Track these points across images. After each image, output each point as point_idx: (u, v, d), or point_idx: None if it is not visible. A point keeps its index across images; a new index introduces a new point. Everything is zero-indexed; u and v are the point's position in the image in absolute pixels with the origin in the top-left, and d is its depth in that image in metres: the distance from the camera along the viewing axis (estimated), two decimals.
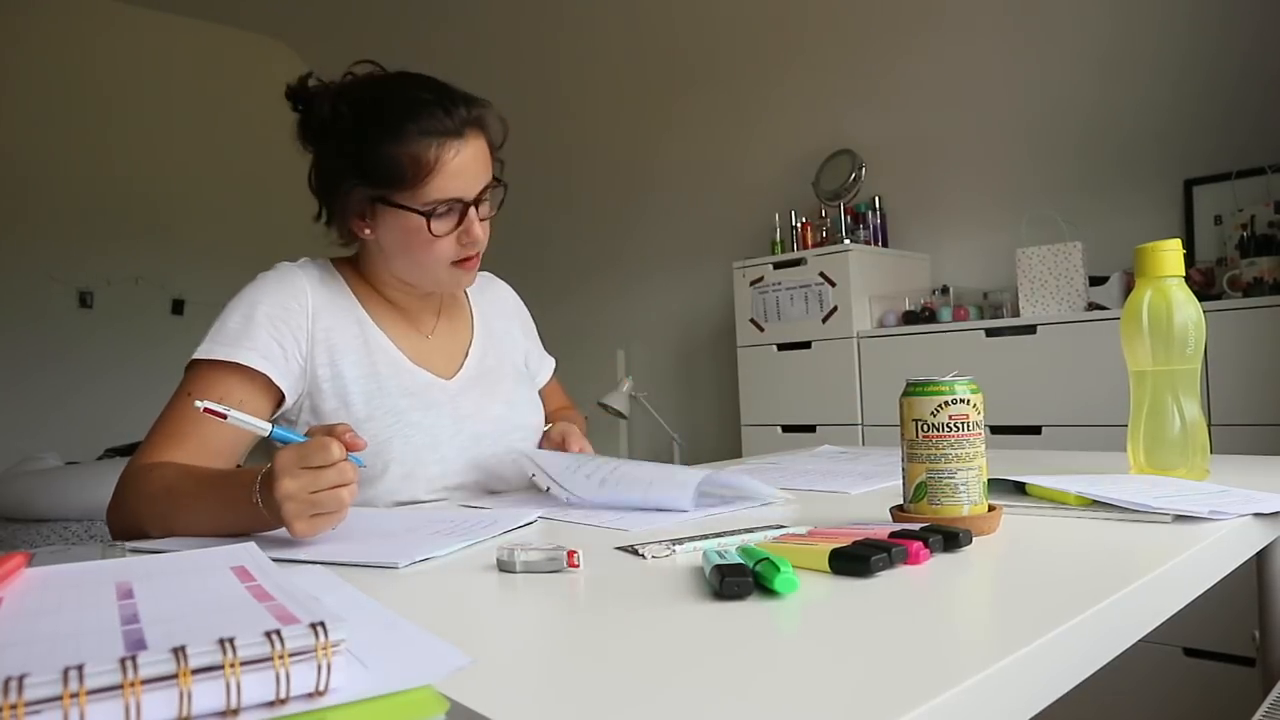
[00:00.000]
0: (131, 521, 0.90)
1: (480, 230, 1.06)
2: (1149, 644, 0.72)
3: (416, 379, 1.11)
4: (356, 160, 1.02)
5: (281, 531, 0.74)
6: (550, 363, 1.39)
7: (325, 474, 0.72)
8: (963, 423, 0.69)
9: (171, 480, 0.89)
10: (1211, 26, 2.29)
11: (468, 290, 1.27)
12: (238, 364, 0.99)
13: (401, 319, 1.15)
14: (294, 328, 1.04)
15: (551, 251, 4.08)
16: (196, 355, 1.00)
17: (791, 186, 3.15)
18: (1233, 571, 0.70)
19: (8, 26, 3.87)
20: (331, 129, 1.04)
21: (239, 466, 1.01)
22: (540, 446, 1.18)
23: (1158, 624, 0.56)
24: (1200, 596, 0.63)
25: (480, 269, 1.20)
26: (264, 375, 1.00)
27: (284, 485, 0.72)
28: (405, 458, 1.05)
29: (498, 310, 1.31)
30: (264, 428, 0.79)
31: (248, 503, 0.76)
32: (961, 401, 0.70)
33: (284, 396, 1.03)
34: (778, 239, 2.97)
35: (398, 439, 1.05)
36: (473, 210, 1.05)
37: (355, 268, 1.15)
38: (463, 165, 1.02)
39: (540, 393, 1.31)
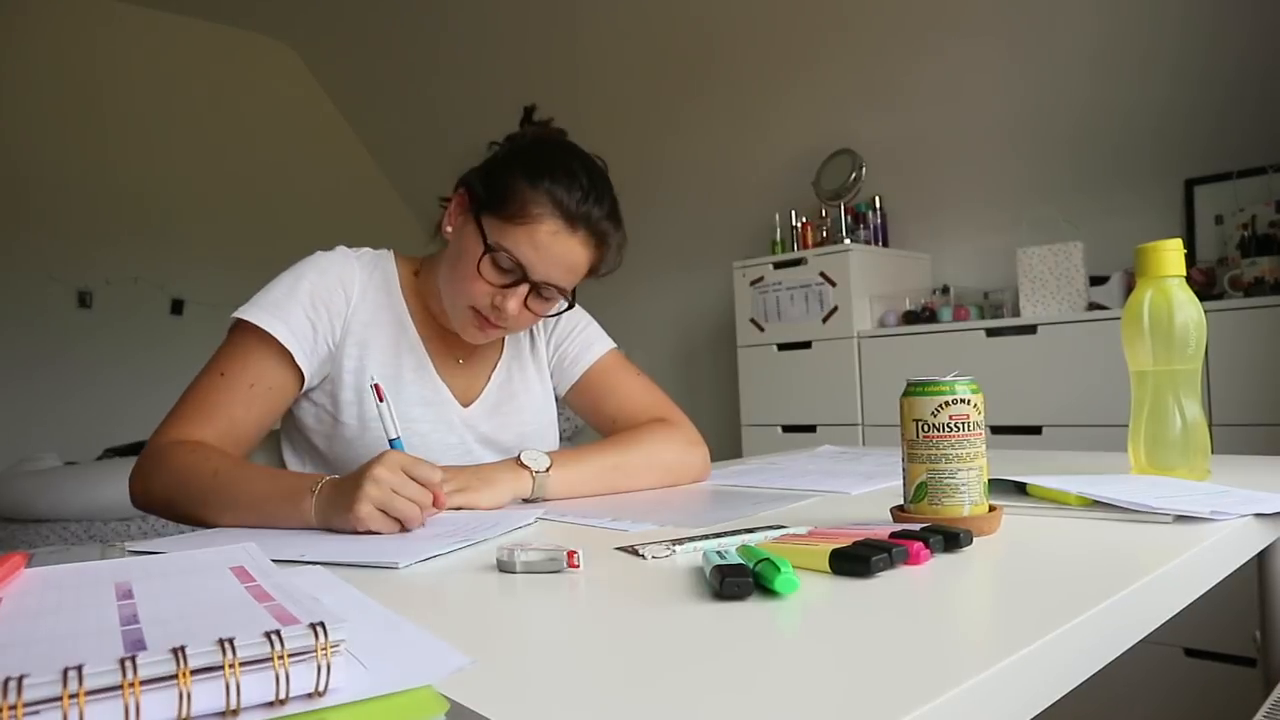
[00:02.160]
0: (160, 495, 0.92)
1: (515, 309, 1.01)
2: (1150, 644, 0.71)
3: (437, 391, 1.10)
4: (489, 169, 1.03)
5: (283, 530, 0.74)
6: (599, 348, 1.23)
7: (416, 487, 0.79)
8: (963, 423, 0.69)
9: (216, 466, 0.89)
10: (1212, 26, 2.29)
11: None
12: (268, 334, 0.99)
13: (442, 331, 1.13)
14: (333, 313, 1.04)
15: None
16: (238, 313, 1.01)
17: (791, 186, 3.15)
18: (1234, 572, 0.70)
19: (8, 26, 3.87)
20: (505, 144, 1.08)
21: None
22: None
23: (1158, 624, 0.56)
24: (1201, 597, 0.63)
25: None
26: (289, 351, 1.00)
27: (378, 472, 0.78)
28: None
29: (530, 328, 1.22)
30: (394, 432, 0.88)
31: (302, 496, 0.82)
32: (962, 401, 0.70)
33: (305, 376, 1.03)
34: (778, 239, 2.97)
35: (404, 443, 1.04)
36: (525, 288, 1.01)
37: (417, 269, 1.14)
38: (553, 246, 0.99)
39: (593, 383, 1.21)
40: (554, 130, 1.11)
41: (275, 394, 1.01)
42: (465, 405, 1.13)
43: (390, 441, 0.87)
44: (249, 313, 1.01)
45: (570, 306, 1.10)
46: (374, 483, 0.77)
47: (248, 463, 0.95)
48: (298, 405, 1.08)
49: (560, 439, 1.27)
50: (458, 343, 1.13)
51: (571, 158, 1.04)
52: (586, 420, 1.27)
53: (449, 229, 1.06)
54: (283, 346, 1.00)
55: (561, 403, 1.26)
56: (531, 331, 1.23)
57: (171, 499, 0.91)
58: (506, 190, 0.99)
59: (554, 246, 0.99)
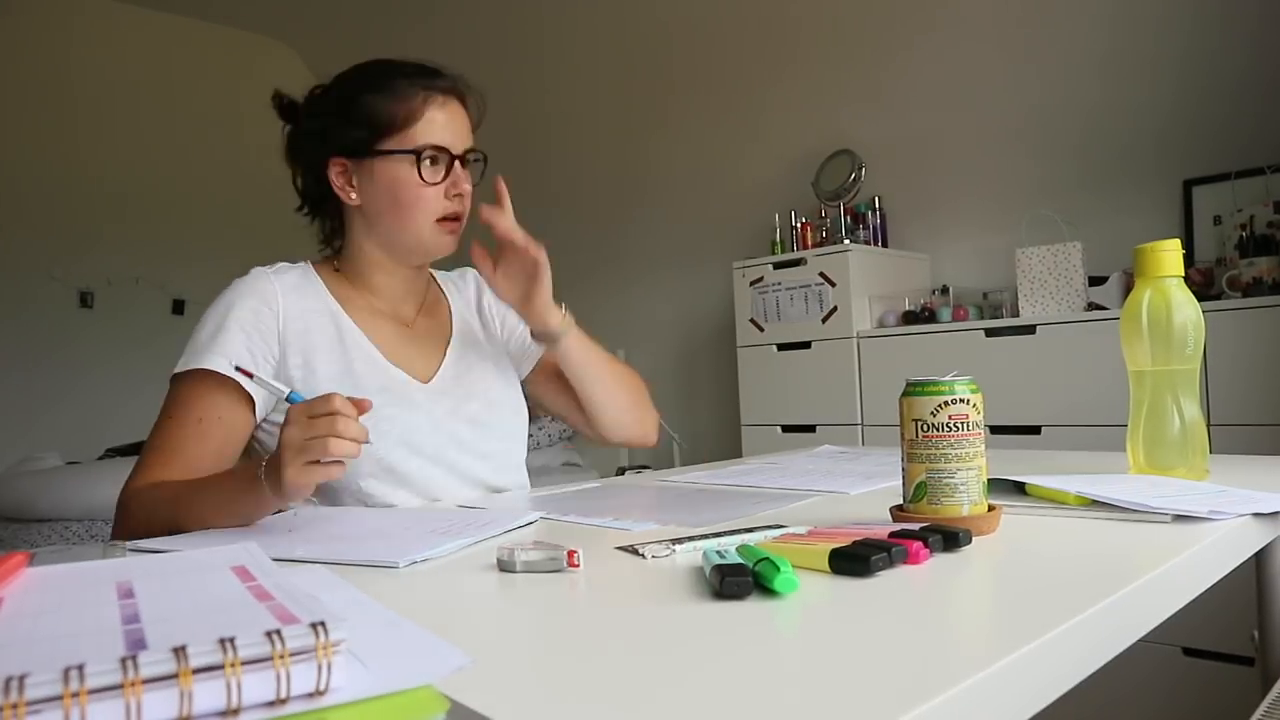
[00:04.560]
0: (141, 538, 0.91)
1: (468, 185, 1.08)
2: (1148, 644, 0.72)
3: (393, 377, 1.09)
4: (343, 116, 1.06)
5: (281, 530, 0.74)
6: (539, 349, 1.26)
7: (320, 421, 0.75)
8: (962, 422, 0.69)
9: (174, 491, 0.90)
10: (1211, 27, 2.29)
11: (444, 289, 1.25)
12: (211, 370, 0.98)
13: (380, 316, 1.13)
14: (265, 332, 1.03)
15: (551, 251, 4.05)
16: (175, 370, 1.01)
17: (791, 186, 3.15)
18: (1232, 571, 0.70)
19: (6, 26, 3.87)
20: (318, 105, 1.10)
21: None
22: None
23: (1157, 624, 0.56)
24: (1199, 596, 0.63)
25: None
26: (234, 381, 0.99)
27: (286, 433, 0.77)
28: (381, 453, 1.03)
29: (475, 305, 1.27)
30: (282, 390, 0.83)
31: (253, 482, 0.80)
32: (961, 401, 0.70)
33: (254, 400, 1.01)
34: (777, 239, 2.97)
35: (373, 434, 1.04)
36: (457, 165, 1.08)
37: (334, 268, 1.15)
38: (450, 120, 1.07)
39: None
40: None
41: (227, 424, 1.00)
42: (425, 382, 1.12)
43: (288, 399, 0.82)
44: (186, 363, 1.00)
45: (484, 157, 1.13)
46: (287, 448, 0.76)
47: (201, 478, 0.92)
48: (262, 435, 1.06)
49: (560, 438, 1.28)
50: (400, 309, 1.16)
51: (381, 59, 1.10)
52: (554, 406, 1.29)
53: (353, 195, 1.09)
54: (222, 376, 0.98)
55: (528, 396, 1.27)
56: (480, 316, 1.27)
57: (151, 531, 0.89)
58: (374, 114, 1.05)
59: (452, 119, 1.07)
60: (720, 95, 3.41)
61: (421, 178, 1.05)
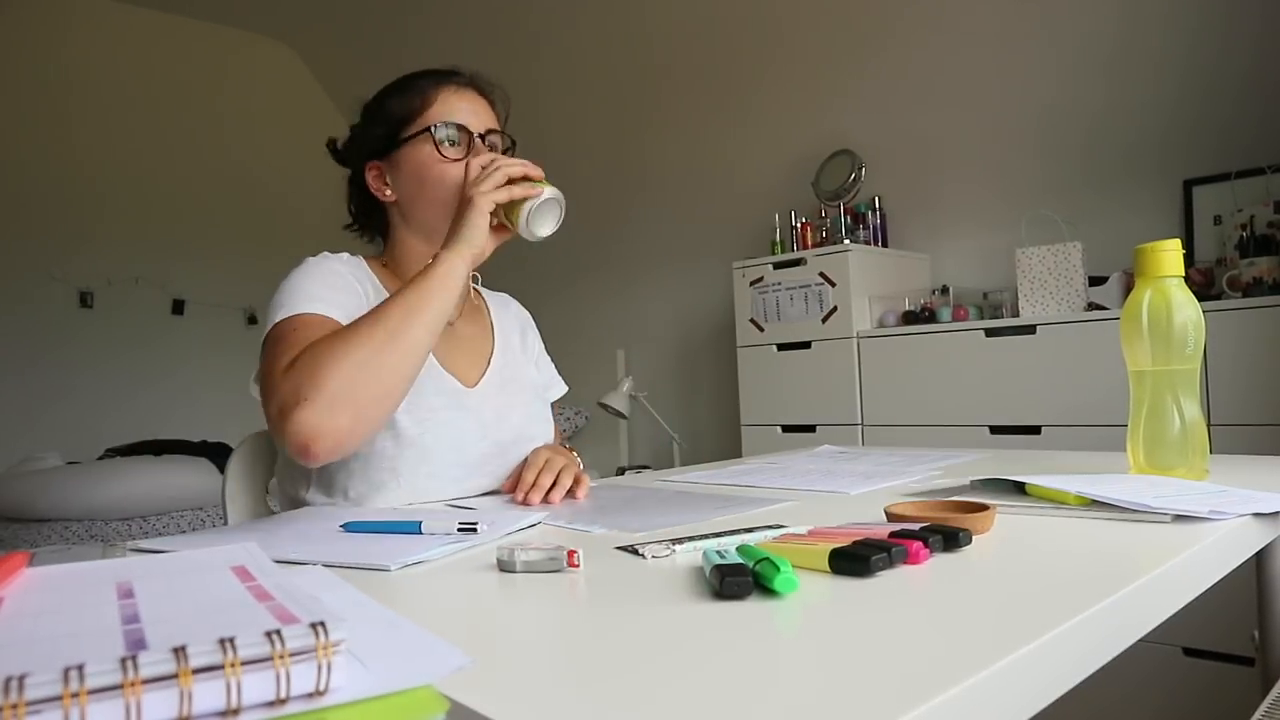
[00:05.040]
0: (332, 393, 0.85)
1: (489, 158, 1.08)
2: (1149, 644, 0.72)
3: (445, 382, 1.10)
4: (369, 124, 1.12)
5: (282, 529, 0.73)
6: (561, 389, 1.35)
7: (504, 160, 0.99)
8: None
9: (346, 330, 0.91)
10: (1211, 27, 2.29)
11: (488, 303, 1.27)
12: (323, 316, 0.97)
13: None
14: (352, 292, 1.05)
15: (551, 250, 4.06)
16: (272, 321, 0.97)
17: (791, 186, 3.15)
18: (1232, 571, 0.70)
19: (6, 24, 3.87)
20: (356, 128, 1.16)
21: None
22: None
23: (1157, 624, 0.56)
24: (1200, 596, 0.63)
25: (485, 275, 1.21)
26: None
27: (470, 179, 0.99)
28: (433, 457, 1.05)
29: (516, 326, 1.30)
30: None
31: (429, 268, 0.94)
32: None
33: None
34: (777, 239, 2.97)
35: (429, 435, 1.04)
36: (479, 142, 1.10)
37: (383, 263, 1.17)
38: (464, 103, 1.11)
39: None
40: None
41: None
42: (470, 387, 1.13)
43: None
44: (279, 313, 0.98)
45: (512, 140, 1.17)
46: (475, 188, 0.96)
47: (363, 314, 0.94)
48: None
49: (557, 438, 1.28)
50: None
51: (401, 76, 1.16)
52: None
53: (388, 192, 1.12)
54: (329, 319, 0.98)
55: None
56: (522, 339, 1.29)
57: (346, 382, 0.85)
58: (395, 114, 1.11)
59: (466, 102, 1.11)
60: (720, 95, 3.41)
61: (440, 153, 1.08)
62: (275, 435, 0.88)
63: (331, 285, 1.03)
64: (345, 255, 1.13)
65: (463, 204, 0.98)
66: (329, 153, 1.19)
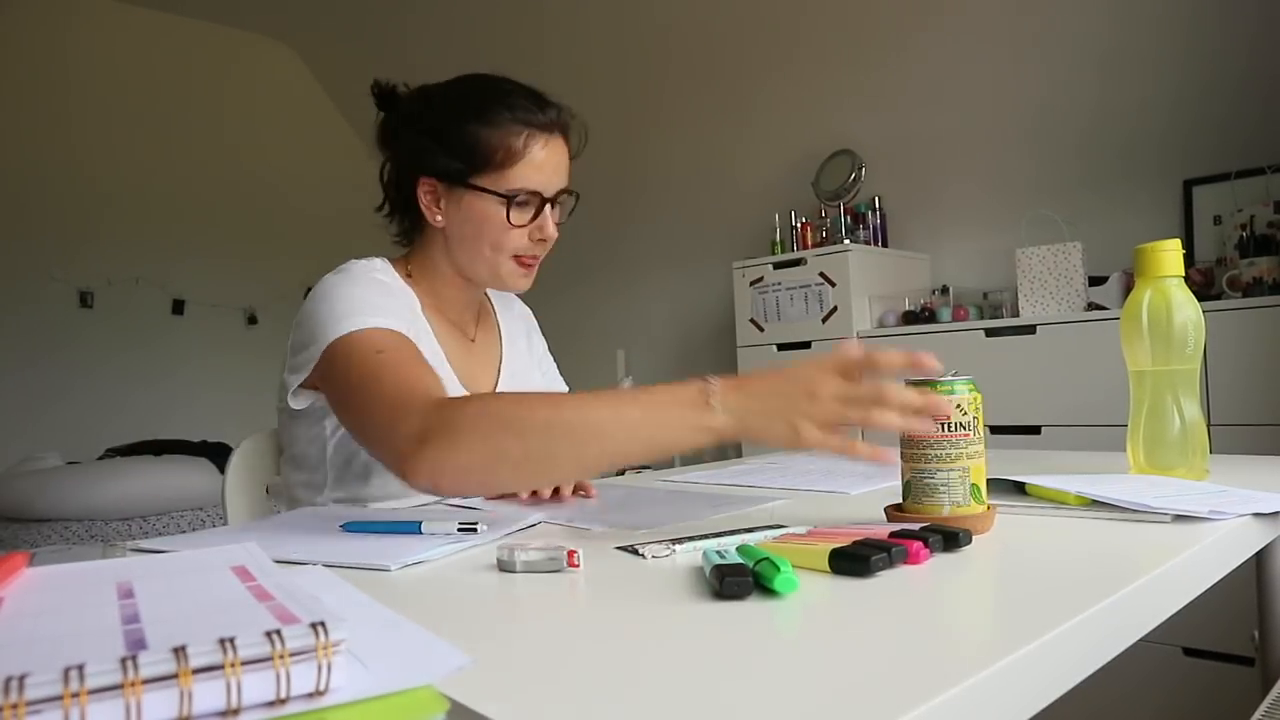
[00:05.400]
0: (480, 460, 0.74)
1: (553, 229, 1.06)
2: (1149, 644, 0.72)
3: (457, 389, 1.09)
4: (441, 140, 1.03)
5: (282, 529, 0.73)
6: (561, 390, 1.32)
7: (872, 388, 0.66)
8: (943, 424, 0.70)
9: (550, 403, 0.77)
10: (1211, 27, 2.29)
11: (494, 305, 1.26)
12: (395, 331, 0.92)
13: (448, 325, 1.14)
14: (400, 296, 1.04)
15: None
16: (334, 335, 0.92)
17: (791, 186, 3.15)
18: (1232, 571, 0.70)
19: (6, 24, 3.87)
20: (419, 117, 1.05)
21: None
22: None
23: (1157, 624, 0.56)
24: (1200, 596, 0.63)
25: None
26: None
27: (819, 383, 0.67)
28: None
29: (522, 329, 1.30)
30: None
31: (690, 408, 0.68)
32: None
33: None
34: (777, 239, 2.97)
35: None
36: (548, 207, 1.05)
37: (407, 271, 1.13)
38: (548, 160, 1.04)
39: None
40: (435, 84, 1.09)
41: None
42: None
43: None
44: (345, 324, 0.92)
45: (575, 195, 1.11)
46: (817, 401, 0.66)
47: (593, 393, 0.76)
48: (301, 421, 1.06)
49: None
50: (462, 324, 1.16)
51: (487, 80, 1.06)
52: None
53: (439, 218, 1.07)
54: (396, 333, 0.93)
55: None
56: (528, 335, 1.30)
57: (498, 457, 0.73)
58: (477, 144, 1.01)
59: (550, 159, 1.04)
60: (720, 95, 3.41)
61: (509, 220, 1.03)
62: (391, 455, 0.80)
63: (387, 294, 1.01)
64: (379, 263, 1.09)
65: (796, 411, 0.69)
66: (375, 98, 1.08)
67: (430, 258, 1.12)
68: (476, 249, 1.07)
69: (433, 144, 1.04)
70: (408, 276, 1.13)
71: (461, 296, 1.15)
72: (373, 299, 0.97)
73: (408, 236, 1.14)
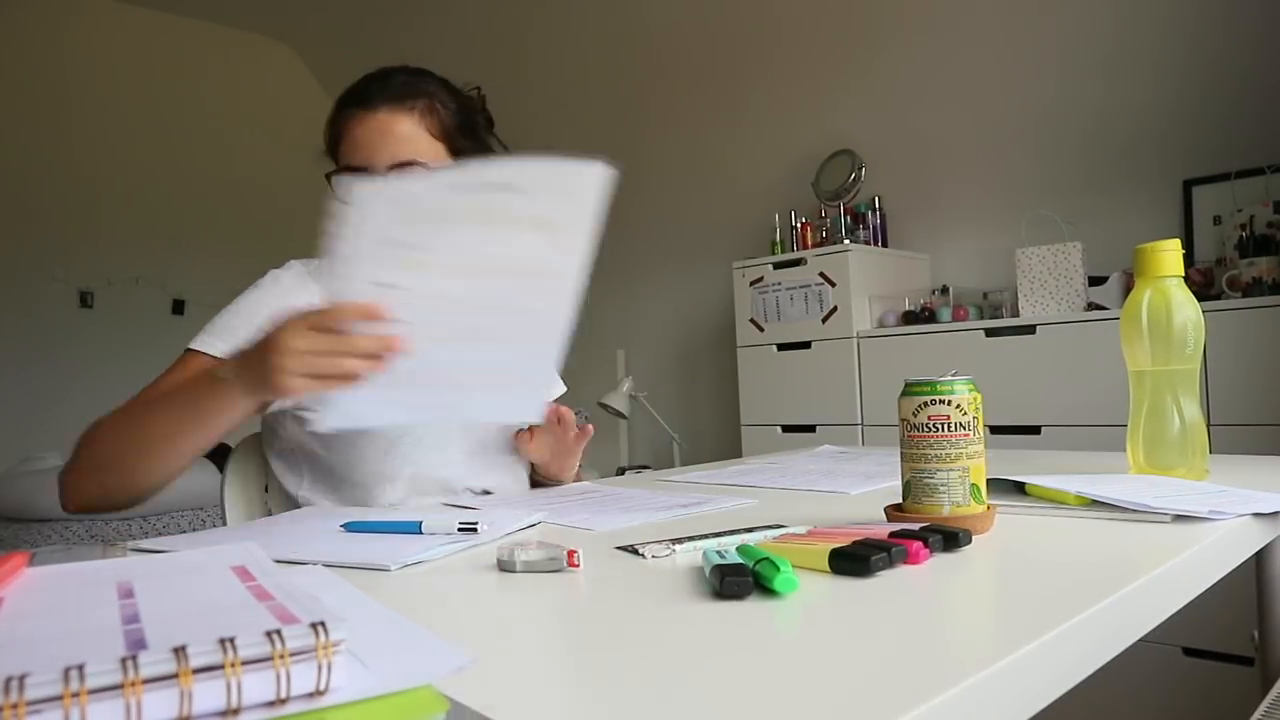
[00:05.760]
0: (87, 480, 0.88)
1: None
2: (1148, 644, 0.72)
3: None
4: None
5: (282, 529, 0.73)
6: (560, 390, 1.30)
7: (331, 338, 0.72)
8: (943, 423, 0.70)
9: (127, 409, 0.89)
10: (1211, 27, 2.29)
11: None
12: (207, 354, 0.99)
13: None
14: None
15: None
16: (191, 345, 1.01)
17: (791, 186, 3.15)
18: (1232, 571, 0.70)
19: (6, 24, 3.87)
20: None
21: None
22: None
23: (1157, 624, 0.56)
24: (1199, 596, 0.63)
25: None
26: None
27: (284, 340, 0.73)
28: (416, 458, 1.05)
29: None
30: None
31: (208, 384, 0.79)
32: (941, 402, 0.70)
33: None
34: (777, 239, 2.97)
35: (409, 438, 1.05)
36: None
37: None
38: (365, 136, 1.03)
39: None
40: None
41: None
42: None
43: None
44: (197, 341, 1.01)
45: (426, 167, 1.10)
46: (286, 353, 0.72)
47: (146, 394, 0.93)
48: (283, 421, 1.07)
49: None
50: None
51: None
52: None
53: None
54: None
55: None
56: None
57: (99, 469, 0.87)
58: (327, 137, 1.08)
59: (367, 134, 1.02)
60: (720, 95, 3.41)
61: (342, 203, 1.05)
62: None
63: (275, 305, 1.01)
64: (298, 265, 1.12)
65: (275, 369, 0.74)
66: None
67: None
68: None
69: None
70: None
71: None
72: (248, 315, 1.01)
73: None
